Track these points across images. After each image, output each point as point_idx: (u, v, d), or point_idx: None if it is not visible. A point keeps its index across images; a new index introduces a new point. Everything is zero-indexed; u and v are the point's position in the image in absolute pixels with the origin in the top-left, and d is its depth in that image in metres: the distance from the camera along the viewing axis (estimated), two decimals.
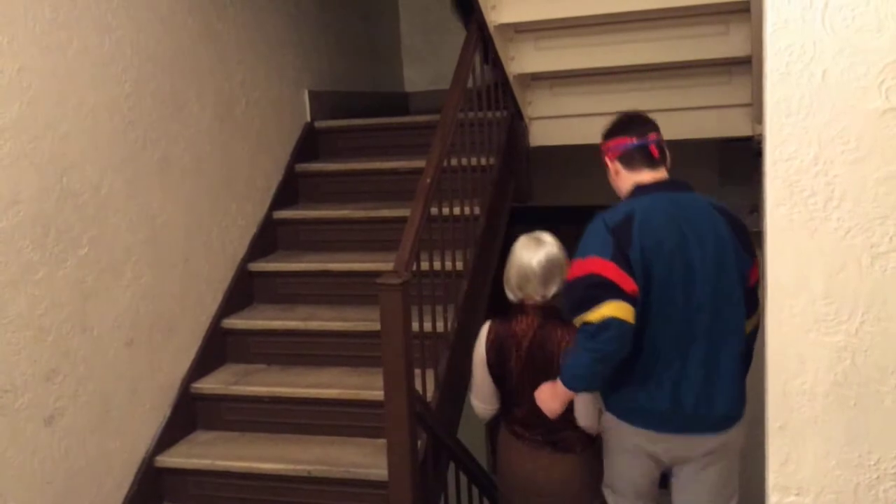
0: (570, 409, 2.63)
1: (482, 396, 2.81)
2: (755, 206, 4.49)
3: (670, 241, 2.34)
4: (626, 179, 2.51)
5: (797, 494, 1.57)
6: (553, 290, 2.68)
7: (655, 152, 2.49)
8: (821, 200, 1.49)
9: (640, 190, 2.47)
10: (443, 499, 3.00)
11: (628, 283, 2.28)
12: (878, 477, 1.53)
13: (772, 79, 1.50)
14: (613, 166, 2.54)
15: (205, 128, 3.47)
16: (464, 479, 3.26)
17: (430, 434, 2.84)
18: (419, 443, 2.73)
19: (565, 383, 2.45)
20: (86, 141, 2.83)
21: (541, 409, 2.62)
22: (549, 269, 2.67)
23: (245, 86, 3.77)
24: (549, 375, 2.58)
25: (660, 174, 2.49)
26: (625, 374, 2.38)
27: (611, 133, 2.57)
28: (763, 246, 1.60)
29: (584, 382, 2.45)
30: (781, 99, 1.49)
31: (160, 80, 3.19)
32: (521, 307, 2.75)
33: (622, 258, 2.30)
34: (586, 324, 2.30)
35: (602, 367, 2.34)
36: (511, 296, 2.78)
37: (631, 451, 2.47)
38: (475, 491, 3.41)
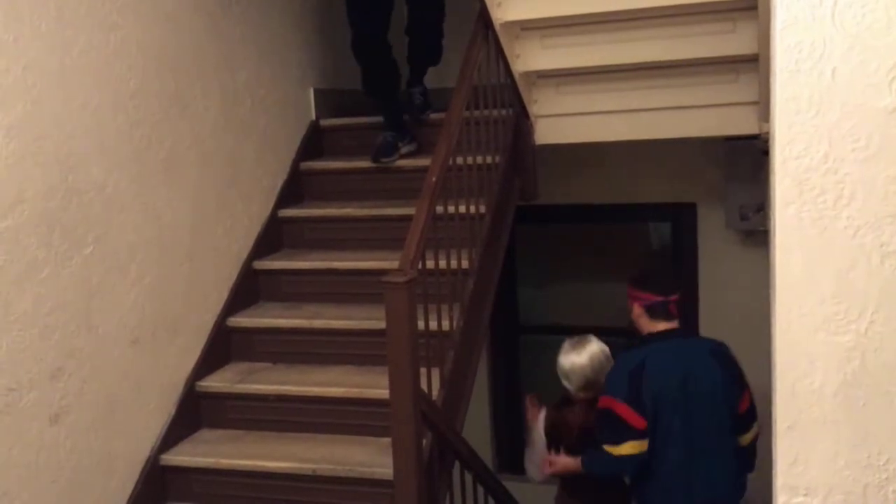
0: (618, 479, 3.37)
1: (536, 466, 3.54)
2: (761, 205, 4.49)
3: (674, 382, 3.04)
4: (646, 324, 3.19)
5: (805, 495, 1.56)
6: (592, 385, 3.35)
7: (673, 311, 3.19)
8: (830, 199, 1.48)
9: (653, 337, 3.16)
10: (448, 498, 2.99)
11: (638, 421, 3.00)
12: (887, 477, 1.52)
13: (781, 77, 1.49)
14: (638, 310, 3.19)
15: (210, 126, 3.47)
16: (469, 478, 3.26)
17: (436, 433, 2.84)
18: (424, 442, 2.73)
19: (586, 470, 3.27)
20: (91, 140, 2.82)
21: (588, 478, 3.32)
22: (594, 367, 3.37)
23: (250, 84, 3.77)
24: None
25: (673, 325, 3.18)
26: (648, 482, 3.13)
27: (641, 285, 3.22)
28: (771, 245, 1.59)
29: (600, 475, 3.30)
30: (791, 97, 1.48)
31: (165, 79, 3.19)
32: (569, 399, 3.46)
33: (635, 399, 3.00)
34: (607, 452, 3.07)
35: (615, 475, 3.28)
36: (567, 385, 3.43)
37: None
38: (480, 490, 3.40)
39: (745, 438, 3.15)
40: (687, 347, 3.17)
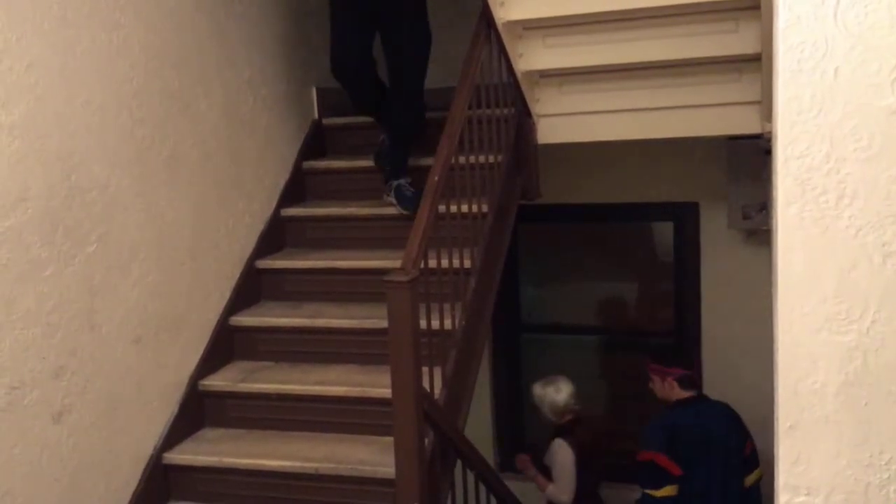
0: None
1: (571, 492, 4.07)
2: (763, 205, 4.48)
3: (700, 440, 3.75)
4: (676, 393, 3.87)
5: (807, 494, 1.56)
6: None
7: (698, 380, 4.09)
8: (832, 198, 1.48)
9: (681, 403, 3.86)
10: (450, 497, 3.00)
11: (674, 468, 3.69)
12: (888, 477, 1.52)
13: (783, 76, 1.49)
14: (670, 383, 3.87)
15: (212, 125, 3.47)
16: (471, 476, 3.26)
17: (438, 432, 2.84)
18: (426, 440, 2.73)
19: None
20: (94, 139, 2.83)
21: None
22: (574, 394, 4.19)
23: (252, 83, 3.77)
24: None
25: (695, 392, 3.91)
26: None
27: (670, 362, 3.94)
28: (773, 244, 1.59)
29: None
30: (793, 96, 1.48)
31: (168, 78, 3.20)
32: (570, 426, 4.15)
33: (672, 451, 3.69)
34: (650, 496, 3.73)
35: None
36: (555, 419, 4.17)
37: None
38: (482, 489, 3.40)
39: (750, 479, 3.83)
40: (708, 410, 3.90)
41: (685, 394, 3.86)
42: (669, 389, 3.87)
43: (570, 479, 4.05)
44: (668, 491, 3.72)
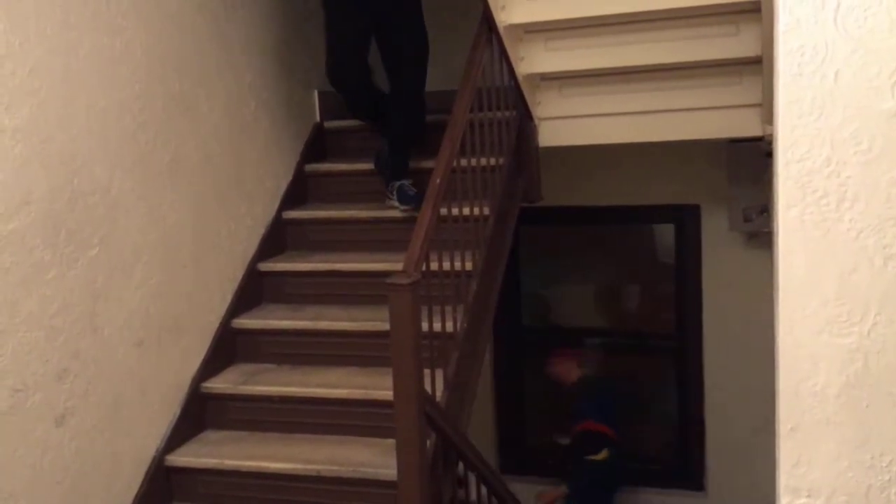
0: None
1: None
2: (765, 207, 4.49)
3: (617, 408, 4.72)
4: (577, 373, 4.81)
5: (808, 496, 1.56)
6: None
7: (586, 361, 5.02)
8: (833, 201, 1.48)
9: (583, 380, 4.82)
10: (452, 499, 3.00)
11: (611, 433, 4.49)
12: (889, 479, 1.53)
13: (784, 80, 1.49)
14: (571, 364, 4.82)
15: (214, 128, 3.48)
16: (472, 478, 3.26)
17: (440, 434, 2.84)
18: (428, 443, 2.73)
19: (572, 488, 4.57)
20: (96, 142, 2.84)
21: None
22: None
23: (254, 86, 3.78)
24: None
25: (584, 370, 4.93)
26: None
27: (573, 349, 4.93)
28: (775, 247, 1.60)
29: (587, 482, 4.57)
30: (793, 100, 1.49)
31: (170, 82, 3.20)
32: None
33: (605, 419, 4.52)
34: (591, 461, 4.47)
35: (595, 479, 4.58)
36: None
37: None
38: (484, 490, 3.40)
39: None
40: (610, 384, 4.96)
41: (581, 372, 4.80)
42: (572, 370, 4.79)
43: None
44: (604, 454, 4.42)
